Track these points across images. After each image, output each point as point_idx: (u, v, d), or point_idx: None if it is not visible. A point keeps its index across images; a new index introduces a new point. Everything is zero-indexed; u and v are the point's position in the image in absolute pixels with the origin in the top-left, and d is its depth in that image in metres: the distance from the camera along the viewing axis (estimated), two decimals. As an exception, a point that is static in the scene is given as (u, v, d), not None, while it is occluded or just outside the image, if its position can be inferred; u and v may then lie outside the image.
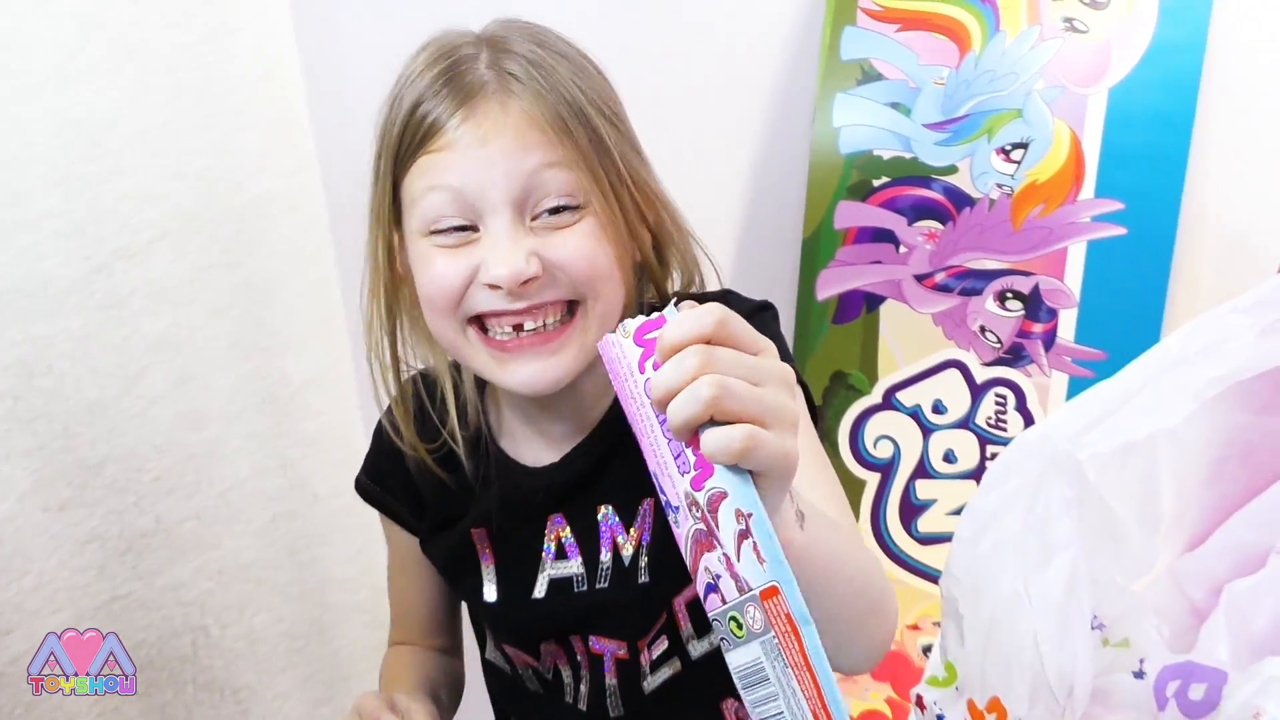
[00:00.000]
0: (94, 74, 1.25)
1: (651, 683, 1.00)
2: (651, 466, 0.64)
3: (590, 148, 0.88)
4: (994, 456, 1.51)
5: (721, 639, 0.63)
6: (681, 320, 0.61)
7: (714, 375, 0.58)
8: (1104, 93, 1.48)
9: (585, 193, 0.88)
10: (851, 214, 1.54)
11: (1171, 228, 1.46)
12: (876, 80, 1.54)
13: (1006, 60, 1.50)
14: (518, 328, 0.89)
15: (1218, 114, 1.49)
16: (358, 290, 0.99)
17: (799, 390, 0.93)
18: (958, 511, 1.50)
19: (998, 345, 1.51)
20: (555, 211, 0.88)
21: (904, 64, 1.53)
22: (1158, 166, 1.46)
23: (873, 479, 1.55)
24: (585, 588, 0.99)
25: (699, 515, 0.62)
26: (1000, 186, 1.50)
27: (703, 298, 0.99)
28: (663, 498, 0.65)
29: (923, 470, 1.54)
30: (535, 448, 1.01)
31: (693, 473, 0.61)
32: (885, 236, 1.53)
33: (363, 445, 1.12)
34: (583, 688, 1.03)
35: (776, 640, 0.59)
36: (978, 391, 1.52)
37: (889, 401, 1.55)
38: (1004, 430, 1.51)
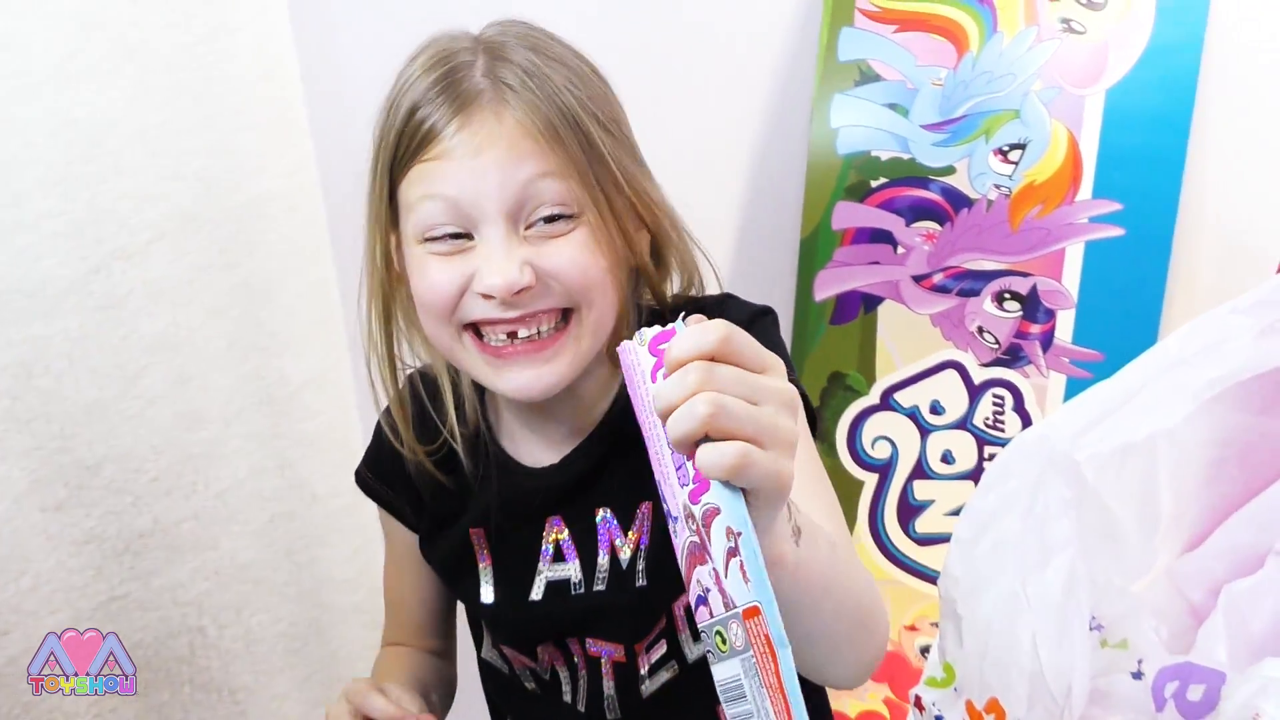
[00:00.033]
0: (93, 74, 1.25)
1: (649, 686, 1.00)
2: (656, 474, 0.65)
3: (584, 156, 0.88)
4: (992, 457, 1.51)
5: (708, 651, 0.63)
6: (687, 335, 0.61)
7: (711, 393, 0.59)
8: (1101, 93, 1.48)
9: (579, 201, 0.88)
10: (849, 215, 1.54)
11: (1169, 228, 1.46)
12: (874, 81, 1.54)
13: (1004, 61, 1.51)
14: (512, 335, 0.90)
15: (1215, 115, 1.49)
16: (356, 291, 0.99)
17: (800, 408, 0.93)
18: (956, 512, 1.50)
19: (995, 346, 1.51)
20: (549, 220, 0.88)
21: (902, 65, 1.53)
22: (1155, 167, 1.46)
23: (870, 480, 1.55)
24: (582, 590, 0.99)
25: (694, 528, 0.62)
26: (998, 187, 1.50)
27: (702, 302, 1.00)
28: (665, 505, 0.65)
29: (921, 471, 1.54)
30: (534, 448, 1.01)
31: (691, 485, 0.62)
32: (883, 237, 1.53)
33: (361, 446, 1.13)
34: (580, 689, 1.03)
35: (755, 660, 0.60)
36: (975, 392, 1.52)
37: (887, 402, 1.55)
38: (1002, 431, 1.52)
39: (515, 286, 0.86)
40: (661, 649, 0.99)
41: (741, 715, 0.61)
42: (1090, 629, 0.79)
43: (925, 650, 1.52)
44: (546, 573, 1.00)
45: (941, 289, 1.52)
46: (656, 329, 0.65)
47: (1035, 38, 1.50)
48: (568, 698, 1.04)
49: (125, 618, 1.31)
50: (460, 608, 1.15)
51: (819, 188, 1.55)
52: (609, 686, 1.01)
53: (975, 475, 1.52)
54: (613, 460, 0.98)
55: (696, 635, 0.98)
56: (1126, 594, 0.82)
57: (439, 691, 1.12)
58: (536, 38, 0.92)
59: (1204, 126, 1.48)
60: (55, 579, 1.25)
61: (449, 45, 0.91)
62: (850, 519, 1.55)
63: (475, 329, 0.91)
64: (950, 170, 1.51)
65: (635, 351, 0.66)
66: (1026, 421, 1.51)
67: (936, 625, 1.32)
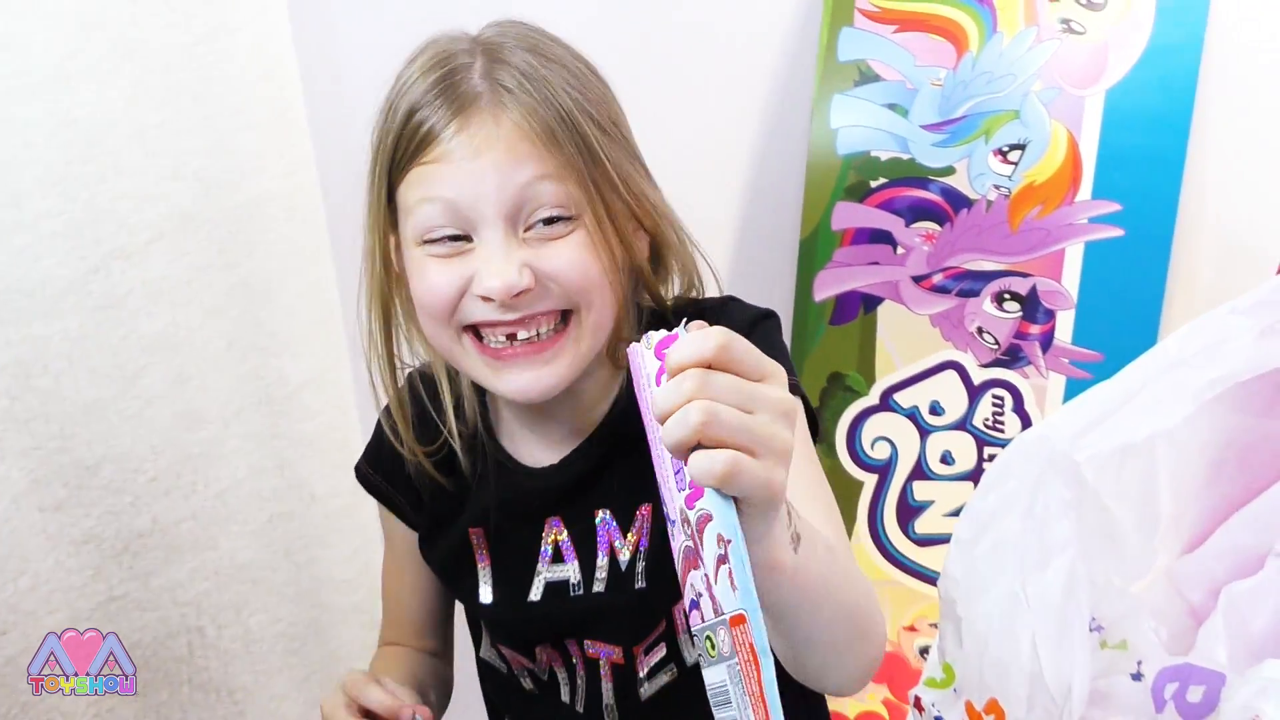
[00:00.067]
0: (92, 74, 1.25)
1: (648, 689, 1.00)
2: (658, 476, 0.65)
3: (581, 159, 0.88)
4: (991, 458, 1.51)
5: (699, 655, 0.64)
6: (686, 342, 0.61)
7: (703, 401, 0.59)
8: (1101, 94, 1.48)
9: (577, 204, 0.88)
10: (849, 215, 1.54)
11: (1169, 229, 1.46)
12: (874, 81, 1.54)
13: (1004, 61, 1.51)
14: (511, 337, 0.90)
15: (1215, 115, 1.49)
16: (355, 291, 0.99)
17: (799, 417, 0.93)
18: (955, 513, 1.50)
19: (995, 346, 1.51)
20: (548, 222, 0.88)
21: (901, 65, 1.53)
22: (1155, 168, 1.47)
23: (870, 480, 1.55)
24: (581, 592, 0.99)
25: (689, 533, 0.63)
26: (998, 188, 1.50)
27: (705, 304, 1.00)
28: (664, 508, 0.66)
29: (920, 471, 1.54)
30: (534, 448, 1.01)
31: (687, 491, 0.62)
32: (883, 238, 1.53)
33: (360, 446, 1.12)
34: (579, 691, 1.03)
35: (739, 667, 0.60)
36: (975, 393, 1.52)
37: (886, 403, 1.55)
38: (1001, 432, 1.52)
39: (514, 289, 0.86)
40: (661, 652, 0.99)
41: (731, 717, 0.62)
42: (1090, 630, 0.79)
43: (924, 651, 1.52)
44: (545, 573, 1.00)
45: (941, 289, 1.52)
46: (663, 333, 0.65)
47: (1035, 38, 1.50)
48: (566, 698, 1.04)
49: (124, 618, 1.31)
50: (459, 607, 1.15)
51: (819, 188, 1.55)
52: (607, 688, 1.01)
53: (975, 476, 1.52)
54: (613, 461, 0.98)
55: None
56: (1126, 595, 0.82)
57: (436, 692, 1.12)
58: (535, 38, 0.92)
59: (1204, 127, 1.48)
60: (54, 579, 1.25)
61: (447, 47, 0.91)
62: (849, 520, 1.55)
63: (475, 331, 0.91)
64: (950, 171, 1.51)
65: (642, 355, 0.66)
66: (1026, 422, 1.51)
67: (935, 626, 1.32)
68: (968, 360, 1.52)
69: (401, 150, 0.89)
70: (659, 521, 0.96)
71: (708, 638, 0.62)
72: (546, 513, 1.00)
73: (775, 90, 1.63)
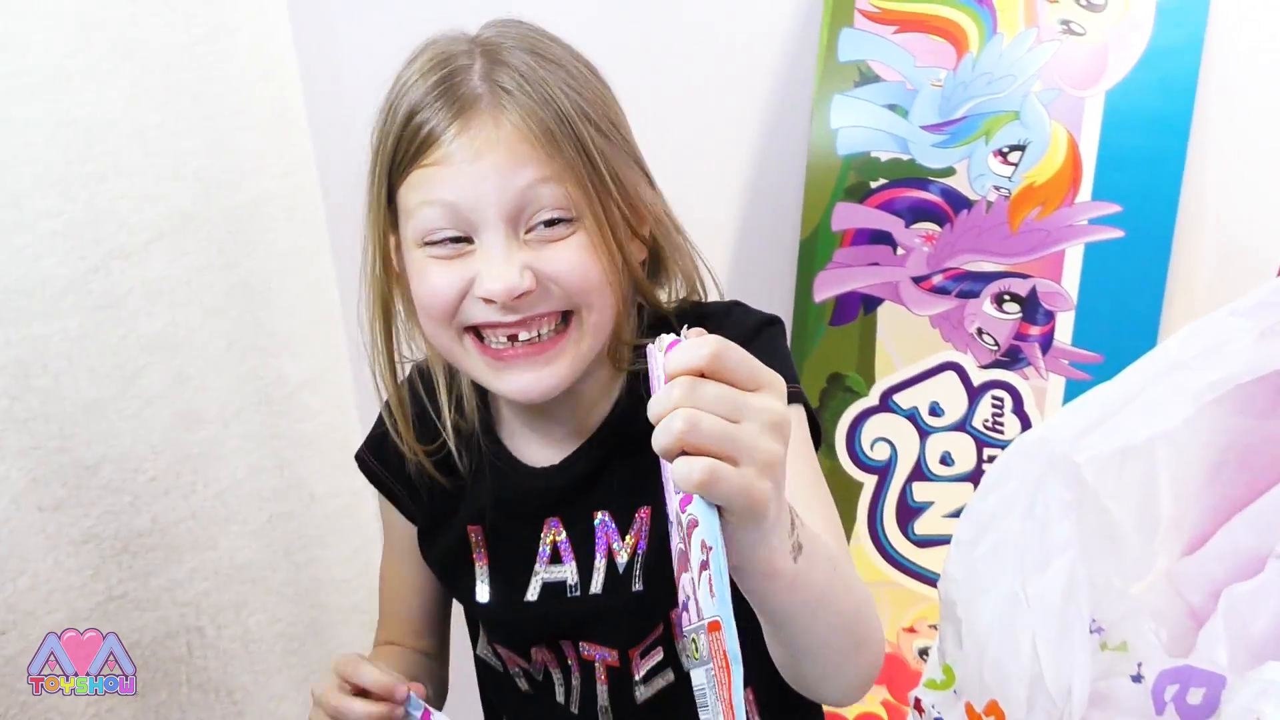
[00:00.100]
0: (92, 74, 1.25)
1: (644, 692, 1.00)
2: (663, 477, 0.66)
3: (580, 161, 0.88)
4: (991, 459, 1.51)
5: (686, 655, 0.64)
6: (680, 350, 0.62)
7: (687, 409, 0.60)
8: (1101, 95, 1.48)
9: (578, 206, 0.88)
10: (849, 216, 1.54)
11: (1169, 230, 1.46)
12: (874, 82, 1.54)
13: (1004, 62, 1.51)
14: (512, 337, 0.90)
15: (1215, 116, 1.49)
16: (355, 291, 0.99)
17: (801, 424, 0.93)
18: (955, 514, 1.50)
19: (995, 348, 1.51)
20: (549, 224, 0.88)
21: (901, 66, 1.53)
22: (1155, 169, 1.47)
23: (870, 481, 1.55)
24: (578, 593, 0.99)
25: (681, 536, 0.64)
26: (998, 189, 1.50)
27: (709, 309, 1.00)
28: (666, 509, 0.66)
29: (920, 472, 1.54)
30: (535, 447, 1.01)
31: (679, 495, 0.63)
32: (883, 238, 1.53)
33: (359, 446, 1.12)
34: (574, 692, 1.03)
35: (714, 672, 0.61)
36: (975, 394, 1.52)
37: (886, 403, 1.55)
38: (1001, 433, 1.52)
39: (516, 291, 0.86)
40: (657, 656, 0.99)
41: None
42: (1090, 631, 0.79)
43: (924, 652, 1.52)
44: (543, 574, 1.00)
45: (941, 290, 1.52)
46: (673, 336, 0.66)
47: (1035, 39, 1.50)
48: (561, 699, 1.04)
49: (123, 617, 1.31)
50: (457, 607, 1.15)
51: (818, 189, 1.55)
52: (602, 690, 1.01)
53: (974, 477, 1.52)
54: (613, 463, 0.98)
55: None
56: (1127, 596, 0.82)
57: (431, 692, 1.12)
58: (535, 39, 0.92)
59: (1204, 128, 1.48)
60: (53, 579, 1.25)
61: (447, 48, 0.91)
62: (849, 521, 1.55)
63: (476, 331, 0.91)
64: (950, 171, 1.51)
65: (655, 356, 0.67)
66: (1026, 423, 1.51)
67: (935, 627, 1.32)
68: (967, 361, 1.52)
69: (402, 152, 0.89)
70: (658, 524, 0.96)
71: (693, 640, 0.63)
72: (546, 513, 1.00)
73: (775, 91, 1.63)
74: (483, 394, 1.03)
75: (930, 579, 1.53)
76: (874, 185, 1.53)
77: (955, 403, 1.53)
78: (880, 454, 1.55)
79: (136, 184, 1.29)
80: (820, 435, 0.98)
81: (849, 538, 1.54)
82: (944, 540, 1.52)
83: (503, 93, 0.87)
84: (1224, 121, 1.50)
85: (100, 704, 1.28)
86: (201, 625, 1.38)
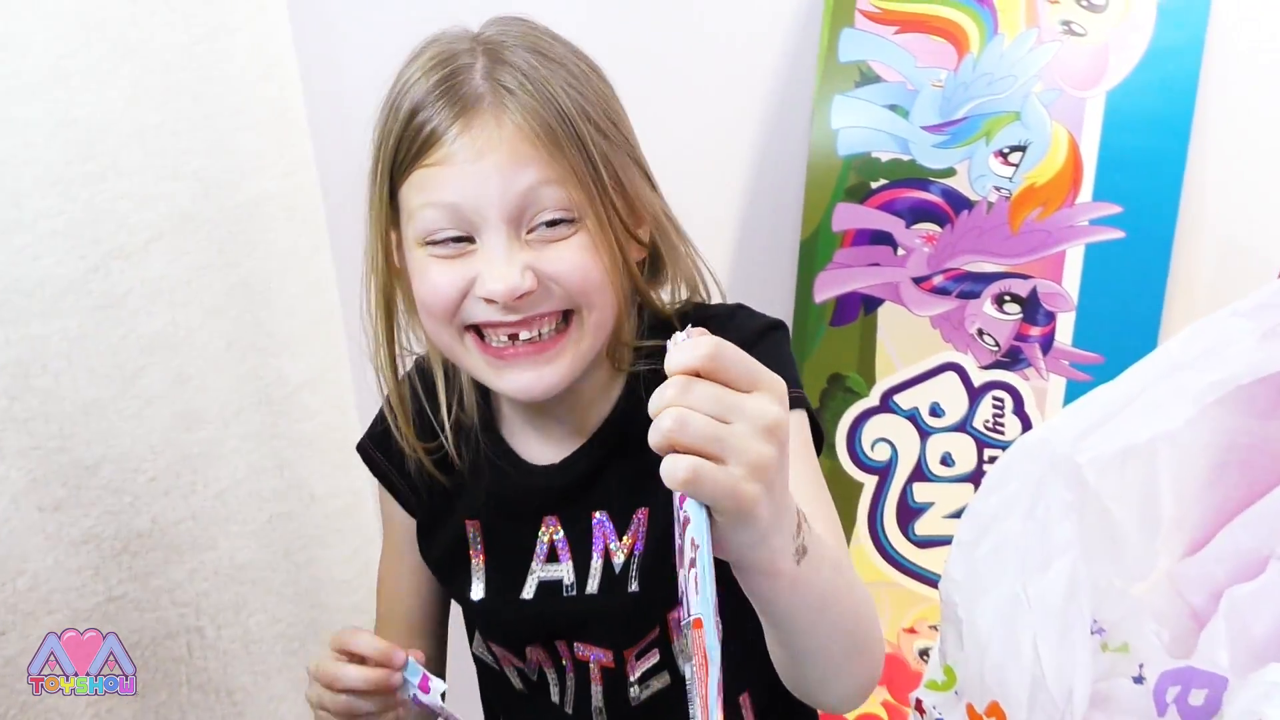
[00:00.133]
0: (91, 74, 1.25)
1: (639, 694, 1.00)
2: None
3: (581, 162, 0.88)
4: (992, 460, 1.51)
5: (680, 650, 0.64)
6: (678, 350, 0.63)
7: (676, 409, 0.61)
8: (1102, 96, 1.48)
9: (579, 206, 0.88)
10: (849, 216, 1.54)
11: (1169, 231, 1.46)
12: (875, 82, 1.54)
13: (1004, 63, 1.50)
14: (513, 336, 0.90)
15: (1215, 117, 1.49)
16: (355, 291, 0.99)
17: (802, 428, 0.93)
18: (955, 514, 1.50)
19: (995, 348, 1.51)
20: (550, 225, 0.88)
21: (902, 66, 1.53)
22: (1156, 170, 1.47)
23: (870, 482, 1.55)
24: (574, 593, 0.99)
25: (679, 531, 0.64)
26: (998, 189, 1.50)
27: (713, 311, 0.99)
28: (673, 508, 0.66)
29: (920, 473, 1.54)
30: (535, 444, 1.01)
31: (679, 491, 0.64)
32: (883, 239, 1.53)
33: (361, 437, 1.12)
34: (568, 692, 1.03)
35: (695, 669, 0.62)
36: (975, 394, 1.52)
37: (887, 404, 1.55)
38: (1002, 433, 1.51)
39: (517, 291, 0.86)
40: (654, 658, 0.99)
41: (692, 716, 0.64)
42: (1091, 632, 0.79)
43: (924, 653, 1.52)
44: (539, 572, 1.00)
45: (941, 291, 1.52)
46: (686, 333, 0.66)
47: (1036, 40, 1.50)
48: (556, 699, 1.04)
49: (123, 618, 1.31)
50: (455, 609, 1.15)
51: (819, 189, 1.55)
52: (596, 691, 1.01)
53: (975, 478, 1.52)
54: (612, 464, 0.98)
55: None
56: (1128, 597, 0.82)
57: None
58: (537, 37, 0.92)
59: (1204, 129, 1.48)
60: (53, 579, 1.25)
61: (449, 46, 0.91)
62: (849, 521, 1.55)
63: (477, 330, 0.91)
64: (950, 172, 1.51)
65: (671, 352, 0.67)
66: (1026, 424, 1.51)
67: (935, 628, 1.32)
68: (968, 362, 1.52)
69: (404, 151, 0.89)
70: (655, 526, 0.96)
71: (686, 636, 0.64)
72: (544, 511, 1.00)
73: (776, 91, 1.63)
74: (484, 390, 1.03)
75: (931, 580, 1.53)
76: (875, 186, 1.53)
77: (956, 403, 1.53)
78: (881, 454, 1.55)
79: (136, 184, 1.29)
80: (822, 440, 0.98)
81: (849, 538, 1.54)
82: (944, 541, 1.52)
83: (504, 92, 0.87)
84: (1225, 122, 1.50)
85: (100, 704, 1.28)
86: (201, 625, 1.38)
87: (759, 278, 1.64)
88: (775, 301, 1.61)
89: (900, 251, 1.53)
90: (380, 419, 1.09)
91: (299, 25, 1.47)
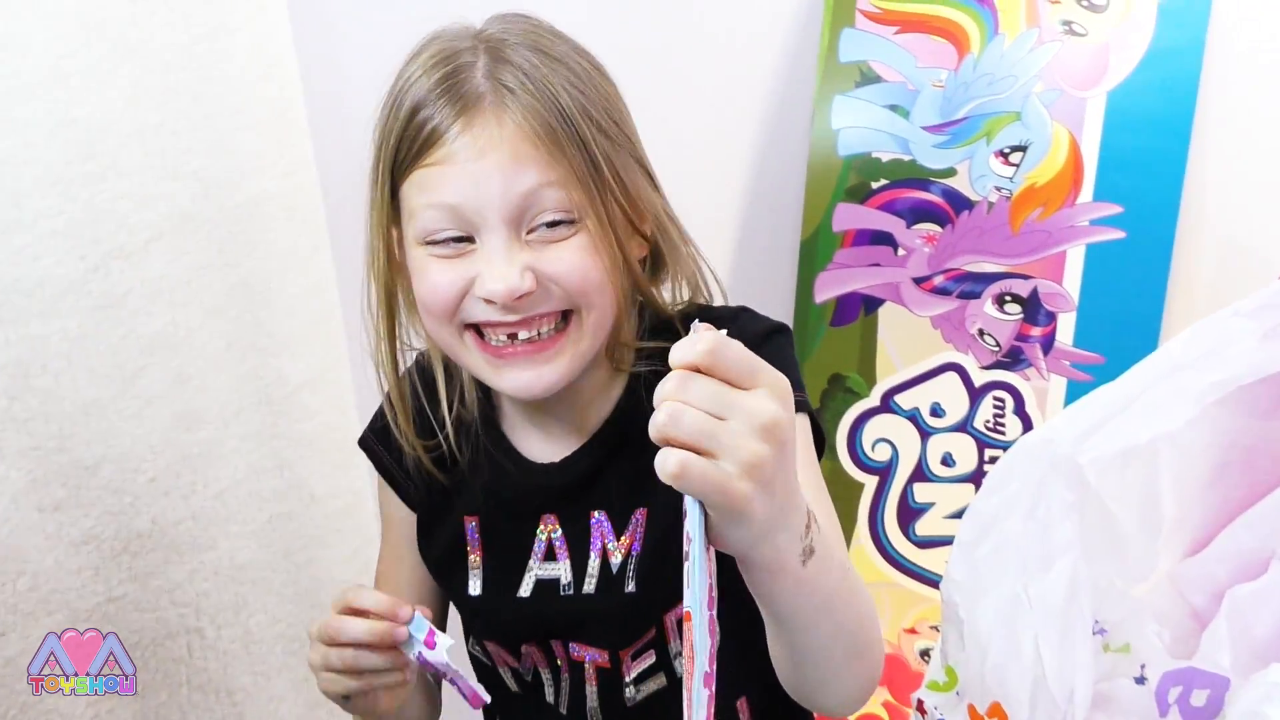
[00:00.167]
0: (91, 74, 1.25)
1: (635, 694, 1.00)
2: None
3: (582, 162, 0.88)
4: (992, 460, 1.51)
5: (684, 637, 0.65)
6: (679, 345, 0.63)
7: (671, 403, 0.61)
8: (1103, 96, 1.48)
9: (579, 207, 0.88)
10: (850, 216, 1.54)
11: (1170, 231, 1.46)
12: (875, 82, 1.54)
13: (1005, 63, 1.50)
14: (512, 336, 0.90)
15: (1216, 117, 1.49)
16: (355, 290, 0.99)
17: (804, 430, 0.93)
18: (956, 515, 1.50)
19: (996, 348, 1.51)
20: (551, 225, 0.88)
21: (903, 66, 1.53)
22: (1156, 170, 1.46)
23: (870, 482, 1.55)
24: (571, 592, 0.99)
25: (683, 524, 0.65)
26: (999, 189, 1.50)
27: (716, 313, 1.00)
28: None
29: (921, 473, 1.54)
30: (536, 442, 1.01)
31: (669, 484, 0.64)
32: (884, 239, 1.53)
33: (359, 446, 1.12)
34: (563, 692, 1.03)
35: (685, 662, 0.63)
36: (976, 395, 1.52)
37: (887, 404, 1.55)
38: (1002, 434, 1.51)
39: (517, 292, 0.87)
40: (649, 659, 0.99)
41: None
42: (1093, 633, 0.78)
43: (924, 653, 1.52)
44: (537, 570, 1.00)
45: (942, 291, 1.52)
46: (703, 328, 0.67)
47: (1036, 40, 1.50)
48: (550, 699, 1.04)
49: (123, 618, 1.30)
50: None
51: (819, 189, 1.55)
52: (591, 691, 1.01)
53: (975, 478, 1.52)
54: (612, 464, 0.98)
55: None
56: (1129, 598, 0.82)
57: (425, 705, 1.11)
58: (539, 35, 0.92)
59: (1205, 129, 1.48)
60: (53, 579, 1.25)
61: (451, 44, 0.91)
62: (850, 521, 1.55)
63: (476, 329, 0.91)
64: (951, 172, 1.51)
65: None
66: (1027, 424, 1.51)
67: (936, 628, 1.31)
68: (968, 362, 1.52)
69: (405, 150, 0.89)
70: (654, 526, 0.97)
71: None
72: (543, 509, 1.00)
73: (776, 91, 1.63)
74: (485, 386, 1.03)
75: (931, 580, 1.53)
76: (875, 186, 1.53)
77: (956, 403, 1.53)
78: (881, 455, 1.55)
79: (136, 184, 1.29)
80: (824, 443, 0.98)
81: (850, 539, 1.54)
82: (945, 541, 1.52)
83: (505, 91, 0.87)
84: (1225, 122, 1.50)
85: (100, 704, 1.28)
86: (201, 626, 1.38)
87: (759, 278, 1.64)
88: (775, 302, 1.61)
89: (901, 252, 1.53)
90: (381, 414, 1.09)
91: (299, 25, 1.47)
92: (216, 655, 1.39)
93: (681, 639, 0.63)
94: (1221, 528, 0.90)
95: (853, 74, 1.54)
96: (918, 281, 1.52)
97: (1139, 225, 1.46)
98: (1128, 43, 1.47)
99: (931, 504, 1.53)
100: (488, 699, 0.91)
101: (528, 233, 0.88)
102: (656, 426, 0.61)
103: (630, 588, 0.96)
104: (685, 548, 0.63)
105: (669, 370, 0.63)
